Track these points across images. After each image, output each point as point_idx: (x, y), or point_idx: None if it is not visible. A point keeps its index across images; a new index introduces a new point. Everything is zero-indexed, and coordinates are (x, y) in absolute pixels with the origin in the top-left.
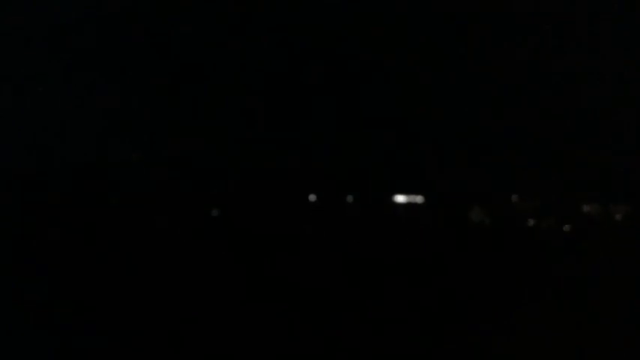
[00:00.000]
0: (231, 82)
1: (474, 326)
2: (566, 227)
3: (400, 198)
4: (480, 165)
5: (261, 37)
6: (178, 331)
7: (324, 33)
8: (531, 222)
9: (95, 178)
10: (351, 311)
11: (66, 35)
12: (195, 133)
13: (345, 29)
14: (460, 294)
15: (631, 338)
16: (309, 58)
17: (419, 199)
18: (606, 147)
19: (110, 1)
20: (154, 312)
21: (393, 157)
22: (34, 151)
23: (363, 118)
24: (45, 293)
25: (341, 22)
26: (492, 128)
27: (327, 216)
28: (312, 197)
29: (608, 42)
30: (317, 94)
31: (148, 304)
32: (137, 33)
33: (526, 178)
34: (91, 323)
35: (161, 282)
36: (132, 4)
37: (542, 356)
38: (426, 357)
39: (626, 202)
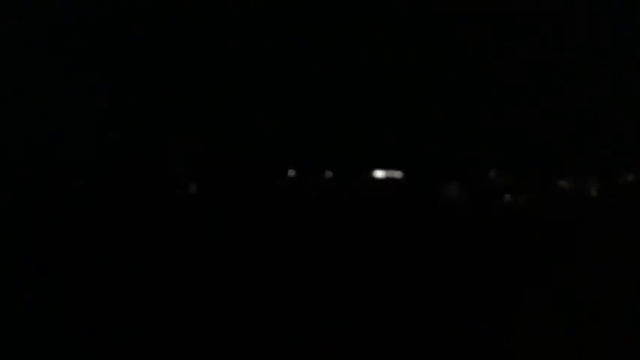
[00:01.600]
0: (231, 82)
1: (453, 300)
2: (542, 202)
3: (379, 173)
4: (457, 140)
5: (261, 37)
6: (178, 330)
7: (324, 33)
8: (508, 197)
9: (94, 178)
10: (329, 290)
11: (66, 35)
12: (195, 133)
13: (345, 29)
14: (437, 268)
15: (607, 311)
16: (309, 58)
17: (397, 174)
18: (581, 122)
19: (110, 1)
20: (154, 310)
21: (372, 133)
22: (34, 151)
23: (343, 95)
24: (45, 293)
25: (341, 22)
26: (470, 105)
27: (306, 191)
28: (292, 173)
29: (607, 41)
30: (302, 77)
31: (147, 302)
32: (137, 33)
33: (502, 153)
34: (90, 323)
35: (161, 281)
36: (132, 4)
37: (514, 330)
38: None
39: (600, 177)
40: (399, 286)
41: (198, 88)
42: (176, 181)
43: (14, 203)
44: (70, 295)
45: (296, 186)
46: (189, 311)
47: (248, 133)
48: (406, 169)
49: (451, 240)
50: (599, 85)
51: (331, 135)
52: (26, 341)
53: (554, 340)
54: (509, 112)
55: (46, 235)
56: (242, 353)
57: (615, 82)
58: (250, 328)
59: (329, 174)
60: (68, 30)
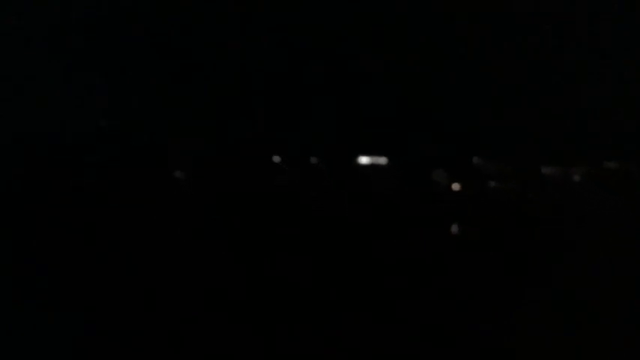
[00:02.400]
0: (231, 81)
1: (439, 289)
2: (527, 189)
3: (364, 159)
4: (442, 127)
5: (261, 37)
6: (178, 329)
7: (324, 33)
8: (492, 184)
9: (94, 178)
10: (314, 276)
11: (66, 35)
12: (195, 133)
13: (345, 29)
14: (422, 255)
15: (590, 298)
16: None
17: (382, 160)
18: (565, 109)
19: (110, 1)
20: (153, 310)
21: (358, 119)
22: (34, 150)
23: (328, 82)
24: (44, 293)
25: (341, 22)
26: (455, 92)
27: (291, 177)
28: (277, 159)
29: (607, 41)
30: (300, 76)
31: (147, 301)
32: (137, 33)
33: (487, 140)
34: (90, 323)
35: (160, 279)
36: (132, 4)
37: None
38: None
39: (584, 163)
40: (391, 278)
41: (197, 87)
42: (175, 181)
43: (13, 203)
44: (69, 294)
45: (293, 182)
46: (189, 310)
47: (247, 131)
48: (394, 159)
49: (441, 231)
50: (595, 82)
51: (319, 122)
52: (22, 342)
53: (552, 337)
54: (502, 103)
55: (46, 234)
56: (237, 350)
57: (610, 78)
58: (251, 326)
59: (314, 160)
60: (68, 30)
